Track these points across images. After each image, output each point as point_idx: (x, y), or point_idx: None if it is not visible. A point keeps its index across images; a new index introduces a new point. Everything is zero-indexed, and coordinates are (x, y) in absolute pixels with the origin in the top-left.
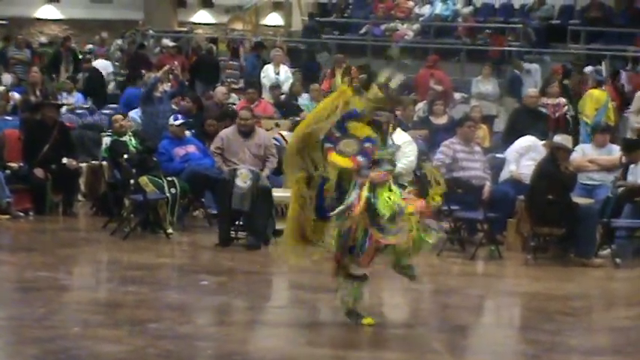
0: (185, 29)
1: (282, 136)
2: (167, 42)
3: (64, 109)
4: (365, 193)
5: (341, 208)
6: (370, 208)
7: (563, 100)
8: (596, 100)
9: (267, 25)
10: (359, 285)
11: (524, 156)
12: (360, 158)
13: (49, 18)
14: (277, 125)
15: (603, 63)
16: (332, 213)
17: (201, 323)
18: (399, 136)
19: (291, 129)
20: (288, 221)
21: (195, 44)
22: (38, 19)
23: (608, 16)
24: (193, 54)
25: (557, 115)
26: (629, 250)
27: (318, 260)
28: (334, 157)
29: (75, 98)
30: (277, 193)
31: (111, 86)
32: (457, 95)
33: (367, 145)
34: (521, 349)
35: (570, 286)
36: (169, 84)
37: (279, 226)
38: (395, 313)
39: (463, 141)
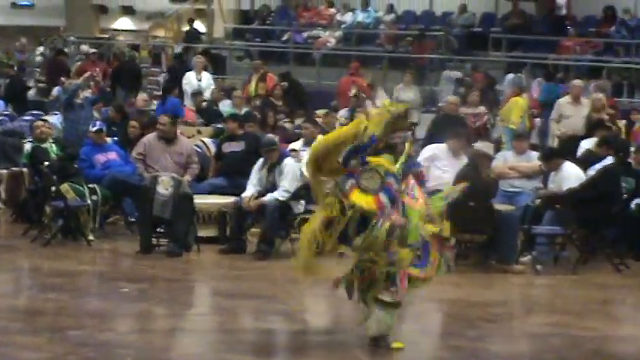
0: (107, 36)
1: (203, 142)
2: (86, 48)
3: None
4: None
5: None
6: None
7: (482, 108)
8: (520, 107)
9: (189, 32)
10: (393, 311)
11: (432, 165)
12: (382, 197)
13: None
14: (199, 132)
15: (524, 71)
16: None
17: (121, 330)
18: None
19: (213, 135)
20: (305, 236)
21: (116, 51)
22: None
23: (529, 24)
24: (115, 60)
25: (477, 124)
26: (549, 257)
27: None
28: (357, 198)
29: None
30: (199, 200)
31: (32, 92)
32: (380, 102)
33: (390, 180)
34: (442, 356)
35: (491, 293)
36: (90, 91)
37: (200, 233)
38: (317, 320)
39: None
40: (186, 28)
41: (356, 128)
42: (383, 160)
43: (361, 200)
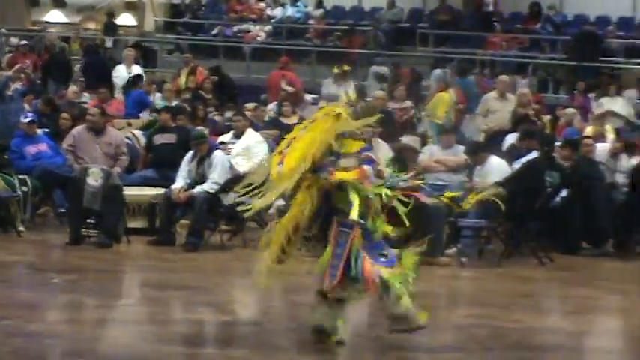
0: (38, 28)
1: (133, 134)
2: (17, 41)
3: None
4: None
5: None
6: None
7: (408, 103)
8: (446, 102)
9: (120, 25)
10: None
11: None
12: (365, 167)
13: None
14: (129, 124)
15: (450, 66)
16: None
17: (51, 321)
18: (250, 136)
19: (143, 128)
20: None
21: (47, 43)
22: None
23: (456, 20)
24: (46, 53)
25: (404, 118)
26: (474, 250)
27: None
28: (341, 175)
29: None
30: (128, 191)
31: None
32: (307, 96)
33: (365, 154)
34: (367, 346)
35: (416, 285)
36: (21, 83)
37: (130, 224)
38: (245, 311)
39: None
40: (116, 21)
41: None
42: (354, 142)
43: (345, 176)
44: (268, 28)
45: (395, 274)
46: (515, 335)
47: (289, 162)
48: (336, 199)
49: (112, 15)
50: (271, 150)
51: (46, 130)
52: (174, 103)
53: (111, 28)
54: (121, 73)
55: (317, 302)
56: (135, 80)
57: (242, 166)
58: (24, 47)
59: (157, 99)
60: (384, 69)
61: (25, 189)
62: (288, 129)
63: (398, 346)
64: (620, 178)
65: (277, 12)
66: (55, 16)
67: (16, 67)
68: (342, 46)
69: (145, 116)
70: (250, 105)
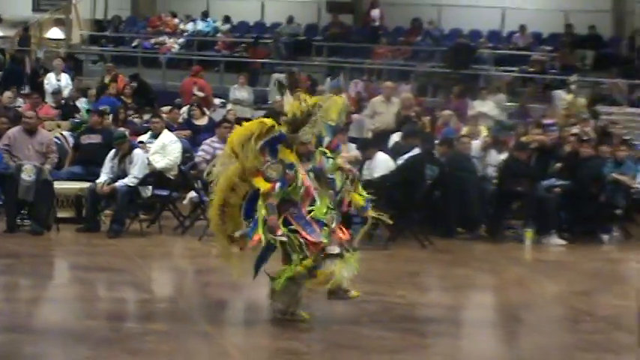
0: None
1: (62, 135)
2: None
3: None
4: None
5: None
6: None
7: None
8: (338, 105)
9: (50, 39)
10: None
11: None
12: (276, 185)
13: None
14: (58, 126)
15: (342, 74)
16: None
17: None
18: (166, 136)
19: (71, 129)
20: (213, 211)
21: None
22: None
23: (347, 34)
24: None
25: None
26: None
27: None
28: (258, 182)
29: None
30: (58, 185)
31: None
32: (216, 101)
33: (289, 172)
34: (265, 319)
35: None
36: None
37: (59, 214)
38: (162, 290)
39: (221, 139)
40: (46, 34)
41: (259, 126)
42: (288, 154)
43: (261, 185)
44: (181, 40)
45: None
46: (401, 309)
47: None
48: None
49: (27, 29)
50: (184, 148)
51: None
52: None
53: (25, 40)
54: (50, 81)
55: (273, 289)
56: (140, 88)
57: (158, 162)
58: None
59: (82, 103)
60: (283, 77)
61: None
62: (198, 129)
63: (292, 318)
64: (491, 171)
65: (189, 26)
66: None
67: None
68: (246, 56)
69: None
70: (166, 108)
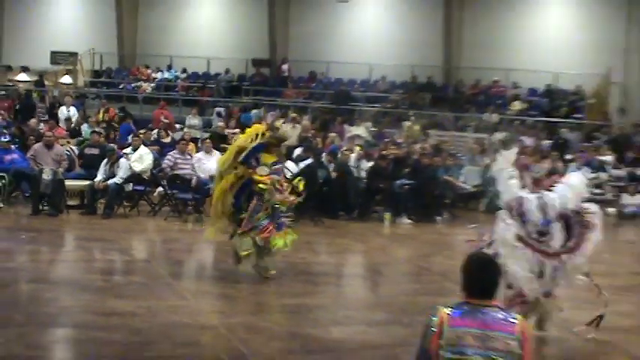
0: (11, 84)
1: (71, 148)
2: None
3: None
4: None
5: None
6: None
7: (238, 130)
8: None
9: (62, 83)
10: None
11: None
12: (273, 176)
13: None
14: (68, 142)
15: (263, 108)
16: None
17: (21, 261)
18: (142, 149)
19: (77, 144)
20: (214, 202)
21: (19, 93)
22: None
23: (265, 80)
24: (17, 99)
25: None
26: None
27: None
28: (256, 176)
29: None
30: (68, 182)
31: None
32: (177, 126)
33: (275, 166)
34: (215, 275)
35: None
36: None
37: (69, 202)
38: (139, 254)
39: (180, 152)
40: (60, 80)
41: (244, 140)
42: (269, 157)
43: (258, 178)
44: (153, 84)
45: (280, 235)
46: (302, 267)
47: (221, 159)
48: (255, 187)
49: (42, 76)
50: (154, 158)
51: (17, 145)
52: (96, 129)
53: (40, 84)
54: (63, 111)
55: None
56: (124, 117)
57: (137, 167)
58: (2, 96)
59: (85, 127)
60: (222, 110)
61: (3, 181)
62: (164, 145)
63: (219, 275)
64: (363, 174)
65: (158, 75)
66: (22, 76)
67: None
68: (197, 95)
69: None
70: (142, 130)
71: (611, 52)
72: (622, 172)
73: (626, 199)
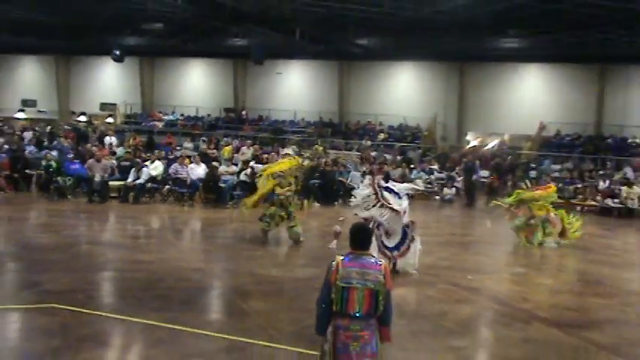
0: (75, 123)
1: (113, 162)
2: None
3: None
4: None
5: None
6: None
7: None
8: (228, 150)
9: (107, 122)
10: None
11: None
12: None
13: None
14: (110, 158)
15: (231, 138)
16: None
17: (81, 229)
18: (157, 162)
19: (116, 159)
20: (254, 197)
21: (79, 128)
22: None
23: (232, 121)
24: (78, 132)
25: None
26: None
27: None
28: (278, 189)
29: None
30: (111, 182)
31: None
32: (178, 148)
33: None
34: (201, 237)
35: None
36: (68, 143)
37: (111, 194)
38: (155, 225)
39: (180, 164)
40: (106, 120)
41: (290, 165)
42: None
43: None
44: (163, 123)
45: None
46: (255, 233)
47: (268, 171)
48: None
49: (90, 117)
50: (164, 167)
51: (78, 160)
52: (128, 150)
53: (90, 123)
54: (107, 140)
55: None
56: (151, 142)
57: (154, 173)
58: (69, 129)
59: (120, 150)
60: (205, 138)
61: (70, 182)
62: (170, 160)
63: (203, 238)
64: None
65: (166, 117)
66: (81, 118)
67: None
68: (190, 129)
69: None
70: (157, 151)
71: (437, 103)
72: (443, 175)
73: (446, 191)
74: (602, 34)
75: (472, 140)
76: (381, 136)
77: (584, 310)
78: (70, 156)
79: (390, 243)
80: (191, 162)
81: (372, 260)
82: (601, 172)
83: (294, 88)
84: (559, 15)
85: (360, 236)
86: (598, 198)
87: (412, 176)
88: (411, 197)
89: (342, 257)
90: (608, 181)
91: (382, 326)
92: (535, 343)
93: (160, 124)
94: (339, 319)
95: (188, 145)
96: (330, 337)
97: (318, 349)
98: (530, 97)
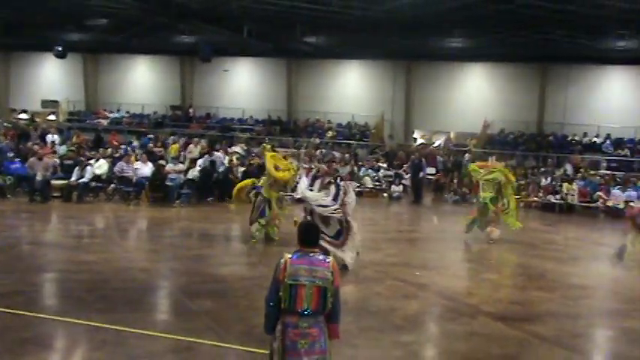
0: (15, 120)
1: (55, 160)
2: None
3: None
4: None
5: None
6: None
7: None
8: (175, 149)
9: (49, 120)
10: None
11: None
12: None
13: None
14: (52, 157)
15: (178, 135)
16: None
17: (22, 230)
18: (102, 160)
19: (59, 158)
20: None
21: (20, 126)
22: None
23: (179, 118)
24: (19, 130)
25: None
26: (187, 200)
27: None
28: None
29: None
30: (53, 182)
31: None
32: (122, 146)
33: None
34: (147, 236)
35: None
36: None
37: (54, 194)
38: (99, 225)
39: (125, 162)
40: (47, 117)
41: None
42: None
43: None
44: (108, 120)
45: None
46: (202, 231)
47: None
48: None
49: (33, 115)
50: (109, 166)
51: (19, 159)
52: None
53: (32, 120)
54: (49, 137)
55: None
56: (98, 140)
57: (98, 171)
58: (9, 127)
59: (62, 148)
60: (152, 136)
61: (10, 181)
62: (116, 158)
63: (150, 237)
64: (239, 175)
65: (111, 115)
66: (22, 115)
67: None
68: (136, 127)
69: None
70: (102, 149)
71: (384, 102)
72: (390, 172)
73: (394, 188)
74: (544, 35)
75: (419, 138)
76: (330, 133)
77: (527, 304)
78: (11, 155)
79: (330, 232)
80: (137, 160)
81: (321, 257)
82: (543, 169)
83: (243, 85)
84: (503, 16)
85: (309, 234)
86: (540, 194)
87: (360, 174)
88: (359, 194)
89: (290, 255)
90: (549, 178)
91: (331, 323)
92: (480, 336)
93: (105, 122)
94: (287, 316)
95: (134, 143)
96: (278, 335)
97: (268, 347)
98: (476, 95)
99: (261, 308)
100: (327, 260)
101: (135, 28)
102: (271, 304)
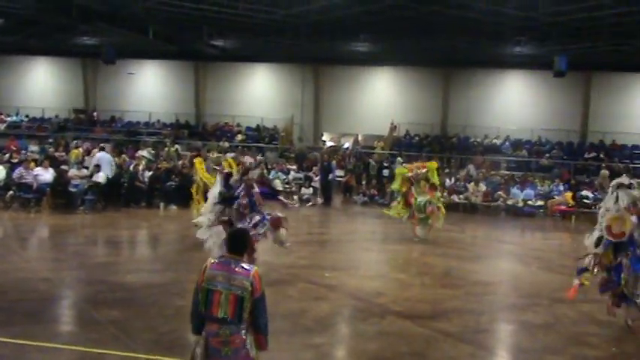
0: None
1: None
2: None
3: None
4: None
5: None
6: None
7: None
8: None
9: None
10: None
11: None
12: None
13: None
14: None
15: (82, 140)
16: None
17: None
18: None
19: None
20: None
21: None
22: None
23: (82, 122)
24: None
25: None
26: (93, 206)
27: None
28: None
29: None
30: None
31: None
32: (22, 151)
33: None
34: (49, 246)
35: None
36: None
37: None
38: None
39: (25, 168)
40: None
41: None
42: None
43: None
44: (5, 125)
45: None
46: (108, 238)
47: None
48: None
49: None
50: (7, 172)
51: None
52: None
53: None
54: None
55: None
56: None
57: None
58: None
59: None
60: (53, 141)
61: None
62: (14, 164)
63: (51, 246)
64: (146, 179)
65: (9, 118)
66: None
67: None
68: (36, 132)
69: None
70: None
71: (293, 105)
72: (300, 174)
73: (304, 190)
74: (447, 41)
75: (328, 140)
76: (239, 137)
77: (433, 302)
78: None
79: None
80: (37, 166)
81: (243, 265)
82: (447, 170)
83: (149, 88)
84: (407, 21)
85: (235, 241)
86: (444, 195)
87: (270, 176)
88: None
89: (212, 260)
90: (453, 179)
91: (256, 334)
92: (389, 335)
93: (2, 126)
94: (208, 324)
95: (34, 148)
96: (202, 342)
97: (177, 354)
98: (382, 98)
99: (169, 316)
100: (248, 269)
101: (33, 29)
102: (195, 306)
